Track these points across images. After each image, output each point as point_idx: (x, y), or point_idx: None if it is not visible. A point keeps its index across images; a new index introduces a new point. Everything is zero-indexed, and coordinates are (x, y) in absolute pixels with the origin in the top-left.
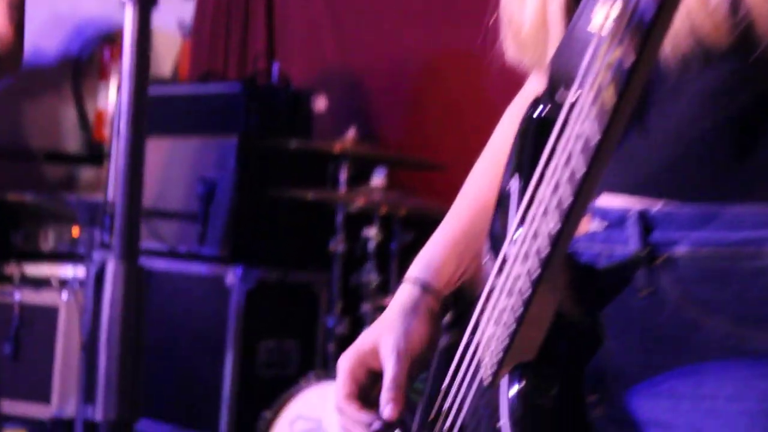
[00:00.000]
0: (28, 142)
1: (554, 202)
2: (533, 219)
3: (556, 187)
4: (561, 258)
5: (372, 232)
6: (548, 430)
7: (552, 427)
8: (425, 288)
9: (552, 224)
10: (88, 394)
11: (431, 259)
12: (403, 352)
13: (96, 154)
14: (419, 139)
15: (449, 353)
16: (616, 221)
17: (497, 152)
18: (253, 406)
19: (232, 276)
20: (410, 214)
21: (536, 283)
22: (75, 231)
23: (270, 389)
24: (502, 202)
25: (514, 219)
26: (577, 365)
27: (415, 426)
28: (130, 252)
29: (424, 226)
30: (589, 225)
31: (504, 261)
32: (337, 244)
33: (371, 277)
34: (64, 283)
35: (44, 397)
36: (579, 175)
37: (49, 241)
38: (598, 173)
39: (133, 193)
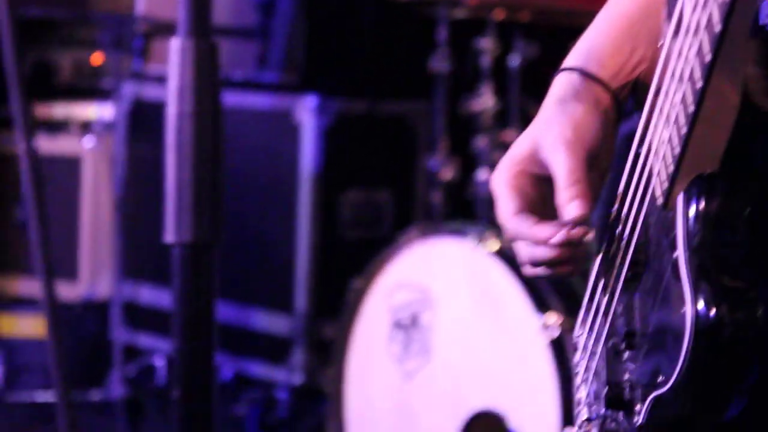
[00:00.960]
0: None
1: None
2: None
3: None
4: (744, 22)
5: (486, 44)
6: (732, 261)
7: (736, 258)
8: (589, 77)
9: None
10: (126, 269)
11: (595, 44)
12: (573, 142)
13: None
14: None
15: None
16: None
17: None
18: (338, 275)
19: (303, 108)
20: (536, 18)
21: (709, 67)
22: (96, 58)
23: (358, 254)
24: None
25: None
26: None
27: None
28: (201, 26)
29: (556, 35)
30: None
31: (676, 32)
32: (440, 62)
33: (486, 103)
34: (86, 127)
35: (70, 273)
36: None
37: (63, 72)
38: None
39: None
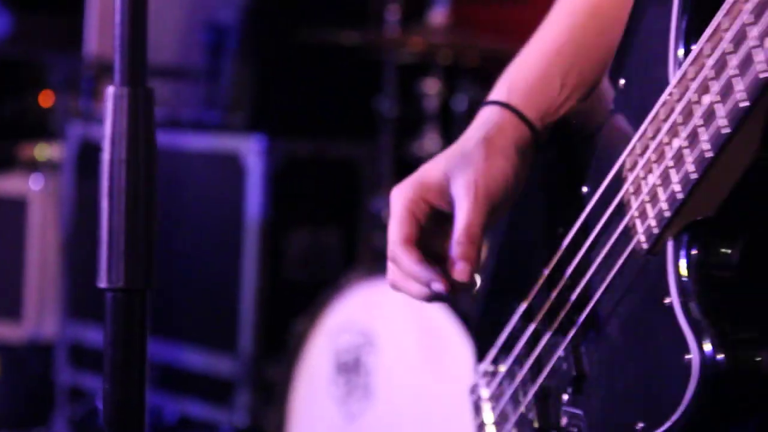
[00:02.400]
0: None
1: None
2: (736, 20)
3: None
4: None
5: (432, 87)
6: (730, 307)
7: (734, 303)
8: (517, 114)
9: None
10: (72, 310)
11: (524, 79)
12: (482, 193)
13: None
14: None
15: (555, 189)
16: None
17: None
18: (283, 316)
19: (250, 149)
20: (482, 61)
21: (745, 111)
22: (46, 98)
23: (304, 295)
24: None
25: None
26: None
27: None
28: (136, 74)
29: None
30: None
31: (681, 79)
32: (386, 105)
33: (432, 146)
34: (33, 167)
35: (15, 313)
36: None
37: (11, 111)
38: None
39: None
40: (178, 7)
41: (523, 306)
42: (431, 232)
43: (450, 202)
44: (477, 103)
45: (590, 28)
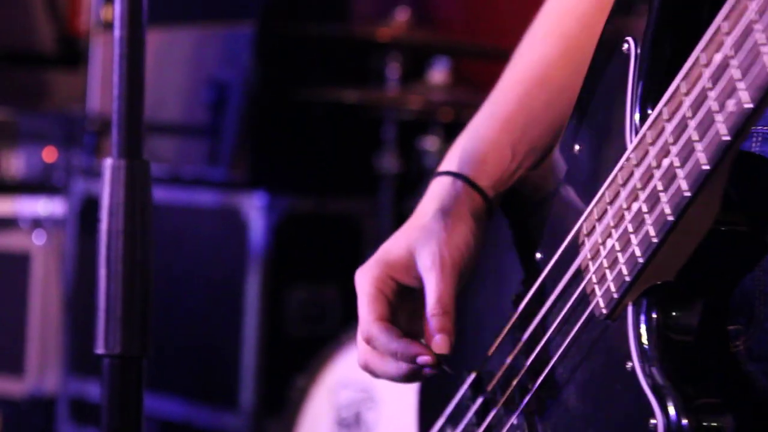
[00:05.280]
0: None
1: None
2: (695, 84)
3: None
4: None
5: (431, 144)
6: (692, 371)
7: (696, 367)
8: (471, 184)
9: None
10: (74, 365)
11: (476, 149)
12: (448, 264)
13: (70, 52)
14: (488, 22)
15: (508, 256)
16: None
17: (561, 13)
18: (284, 372)
19: (251, 206)
20: None
21: (705, 176)
22: (48, 154)
23: (304, 350)
24: (602, 60)
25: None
26: (728, 285)
27: (474, 357)
28: (132, 146)
29: None
30: None
31: (640, 143)
32: (387, 161)
33: None
34: (37, 223)
35: (17, 368)
36: None
37: (14, 167)
38: None
39: (133, 68)
40: (181, 64)
41: (473, 375)
42: (397, 309)
43: (417, 277)
44: None
45: (540, 97)
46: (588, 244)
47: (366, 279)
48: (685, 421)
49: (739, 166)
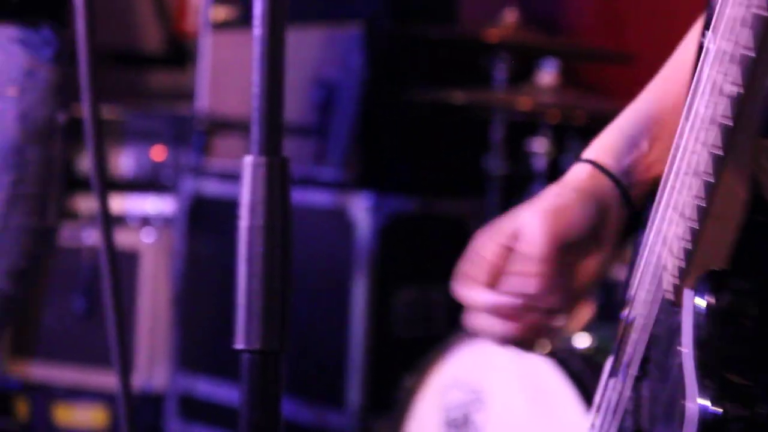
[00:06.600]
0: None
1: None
2: (714, 77)
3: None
4: (751, 122)
5: (540, 146)
6: (741, 361)
7: (747, 358)
8: (600, 168)
9: (731, 77)
10: (182, 361)
11: (611, 139)
12: (553, 230)
13: (177, 53)
14: (600, 22)
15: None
16: None
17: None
18: (390, 372)
19: (358, 207)
20: (590, 120)
21: (720, 162)
22: (157, 153)
23: (410, 351)
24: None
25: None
26: None
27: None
28: (272, 143)
29: None
30: None
31: (683, 132)
32: (495, 162)
33: None
34: (145, 221)
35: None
36: None
37: (123, 166)
38: None
39: (273, 66)
40: (290, 65)
41: (610, 360)
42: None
43: (524, 242)
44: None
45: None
46: (663, 229)
47: (475, 244)
48: (718, 410)
49: None
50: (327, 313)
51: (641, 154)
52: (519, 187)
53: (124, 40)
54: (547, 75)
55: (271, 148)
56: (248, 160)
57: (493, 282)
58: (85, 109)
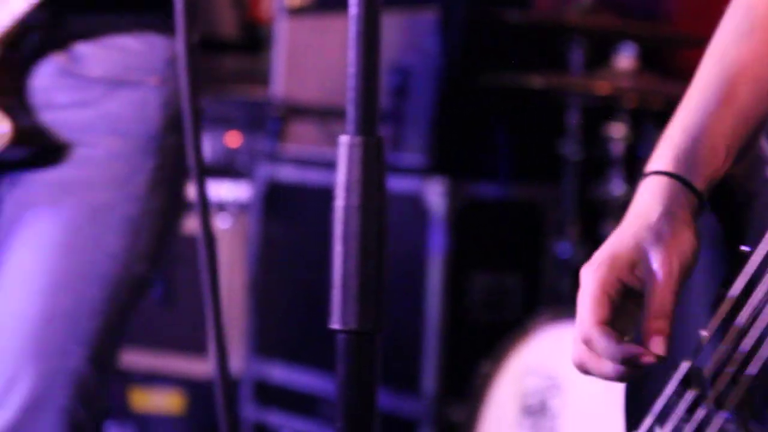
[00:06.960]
0: None
1: None
2: None
3: None
4: None
5: (617, 131)
6: None
7: None
8: (687, 185)
9: None
10: (257, 346)
11: (688, 148)
12: (676, 271)
13: (252, 39)
14: (681, 6)
15: (714, 250)
16: None
17: None
18: (465, 357)
19: (434, 192)
20: (668, 105)
21: None
22: (232, 139)
23: (485, 336)
24: None
25: None
26: None
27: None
28: (368, 123)
29: None
30: None
31: None
32: (570, 148)
33: (616, 190)
34: (221, 207)
35: (200, 350)
36: None
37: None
38: None
39: (370, 45)
40: None
41: (685, 368)
42: (618, 312)
43: (640, 278)
44: None
45: (749, 95)
46: None
47: (593, 279)
48: None
49: None
50: (402, 299)
51: (720, 162)
52: (595, 172)
53: (200, 26)
54: (624, 59)
55: (367, 128)
56: (344, 140)
57: (611, 319)
58: (184, 99)
